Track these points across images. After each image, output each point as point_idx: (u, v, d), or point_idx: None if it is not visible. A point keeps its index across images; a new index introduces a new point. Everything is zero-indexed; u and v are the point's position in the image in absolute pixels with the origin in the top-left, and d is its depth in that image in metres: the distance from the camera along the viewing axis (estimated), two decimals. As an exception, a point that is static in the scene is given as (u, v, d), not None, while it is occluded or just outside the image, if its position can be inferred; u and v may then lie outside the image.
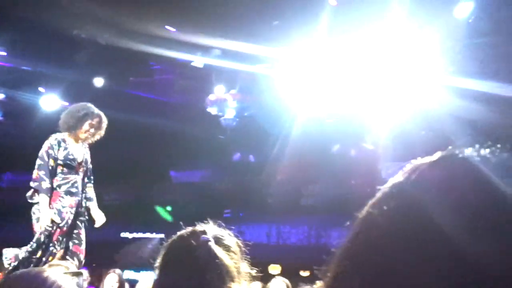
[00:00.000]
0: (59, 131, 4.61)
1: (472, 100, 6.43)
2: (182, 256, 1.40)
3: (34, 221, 4.43)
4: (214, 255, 1.37)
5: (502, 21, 5.73)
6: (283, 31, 6.83)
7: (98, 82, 7.72)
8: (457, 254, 0.47)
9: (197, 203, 10.24)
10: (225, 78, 8.28)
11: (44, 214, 4.34)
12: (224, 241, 1.44)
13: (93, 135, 4.66)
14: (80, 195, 4.58)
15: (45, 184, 4.39)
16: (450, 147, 0.58)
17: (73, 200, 4.49)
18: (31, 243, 4.33)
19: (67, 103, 7.47)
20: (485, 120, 6.39)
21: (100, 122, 4.65)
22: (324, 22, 6.50)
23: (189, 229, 1.47)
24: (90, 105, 4.72)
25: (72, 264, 4.08)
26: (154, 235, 12.02)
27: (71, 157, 4.56)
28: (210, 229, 1.47)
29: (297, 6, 6.47)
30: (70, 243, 4.48)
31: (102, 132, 4.70)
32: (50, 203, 4.40)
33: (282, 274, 9.23)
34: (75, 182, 4.56)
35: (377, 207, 0.55)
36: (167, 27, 6.92)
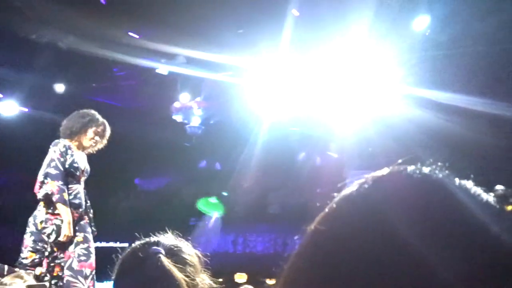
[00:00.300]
0: (58, 138, 4.30)
1: (430, 109, 6.63)
2: (131, 268, 1.39)
3: (29, 234, 4.08)
4: (162, 268, 1.34)
5: (457, 35, 5.94)
6: (248, 39, 6.89)
7: (59, 87, 7.57)
8: (404, 266, 0.49)
9: (162, 211, 10.13)
10: (190, 86, 8.26)
11: (67, 224, 4.00)
12: (178, 253, 1.40)
13: (96, 143, 4.35)
14: (83, 206, 4.24)
15: (66, 195, 4.04)
16: (400, 161, 0.60)
17: (75, 213, 4.15)
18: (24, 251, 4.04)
19: (26, 109, 7.31)
20: (443, 128, 6.59)
21: (104, 130, 4.37)
22: (287, 32, 6.59)
23: (143, 240, 1.45)
24: (94, 112, 4.43)
25: (29, 276, 3.90)
26: (118, 244, 11.81)
27: (75, 165, 4.23)
28: (166, 240, 1.43)
29: (261, 15, 6.54)
30: (69, 261, 4.09)
31: (105, 141, 4.41)
32: (51, 218, 4.07)
33: (248, 282, 9.22)
34: (78, 192, 4.22)
35: (327, 220, 0.57)
36: (130, 33, 6.87)
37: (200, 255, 1.44)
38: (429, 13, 6.00)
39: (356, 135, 8.12)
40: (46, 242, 4.05)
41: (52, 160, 4.15)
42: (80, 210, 4.20)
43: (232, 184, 10.35)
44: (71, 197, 4.15)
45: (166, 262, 1.36)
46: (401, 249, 0.49)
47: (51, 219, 4.09)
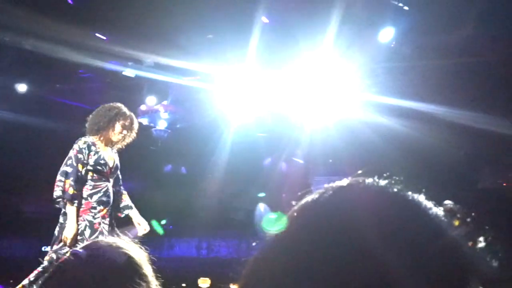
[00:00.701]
0: (84, 136, 4.15)
1: (393, 117, 6.81)
2: (60, 272, 1.35)
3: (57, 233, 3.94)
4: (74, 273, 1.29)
5: (422, 47, 6.13)
6: (217, 45, 6.90)
7: (21, 88, 7.37)
8: (361, 272, 0.51)
9: (126, 214, 9.99)
10: (157, 89, 8.19)
11: (70, 227, 3.84)
12: (102, 258, 1.33)
13: (124, 137, 4.22)
14: (111, 204, 4.11)
15: (73, 193, 3.90)
16: (359, 172, 0.63)
17: (106, 210, 4.04)
18: (43, 262, 3.85)
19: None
20: (405, 136, 6.77)
21: (132, 123, 4.26)
22: (255, 38, 6.64)
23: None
24: (120, 104, 4.31)
25: None
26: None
27: (102, 162, 4.11)
28: (112, 243, 1.38)
29: (231, 21, 6.57)
30: None
31: (133, 135, 4.28)
32: (80, 215, 3.94)
33: (212, 287, 9.19)
34: (107, 190, 4.11)
35: (287, 227, 0.58)
36: (98, 35, 6.77)
37: (136, 261, 1.35)
38: (394, 25, 6.17)
39: (321, 142, 8.25)
40: (79, 240, 3.87)
41: (69, 158, 4.03)
42: (109, 207, 4.07)
43: (197, 188, 10.30)
44: (100, 194, 4.04)
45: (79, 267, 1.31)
46: (358, 256, 0.51)
47: (80, 215, 3.96)
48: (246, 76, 7.41)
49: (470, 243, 0.55)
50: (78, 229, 3.92)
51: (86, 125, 4.22)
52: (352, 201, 0.57)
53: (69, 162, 4.01)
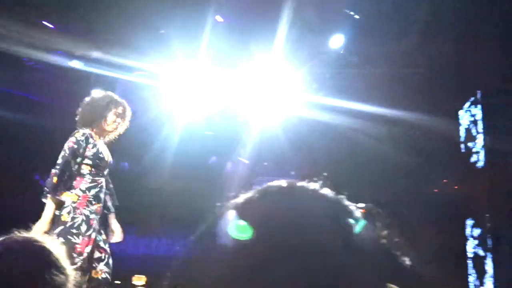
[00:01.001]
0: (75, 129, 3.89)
1: (340, 119, 7.08)
2: None
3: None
4: None
5: (371, 55, 6.42)
6: (169, 41, 6.86)
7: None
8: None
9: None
10: (104, 82, 7.98)
11: (42, 221, 3.62)
12: (16, 252, 1.35)
13: (117, 127, 4.05)
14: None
15: (53, 184, 3.66)
16: (292, 173, 0.68)
17: (99, 207, 3.83)
18: None
19: None
20: (349, 137, 7.06)
21: (124, 110, 4.09)
22: (208, 37, 6.67)
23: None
24: (111, 93, 4.16)
25: None
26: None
27: (101, 155, 3.92)
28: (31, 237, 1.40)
29: (185, 18, 6.56)
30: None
31: (126, 123, 4.12)
32: (77, 207, 3.71)
33: (147, 285, 9.10)
34: (102, 186, 3.91)
35: (211, 226, 0.62)
36: (44, 22, 6.52)
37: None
38: (344, 33, 6.41)
39: (267, 142, 8.41)
40: (75, 234, 3.68)
41: (63, 150, 3.83)
42: (102, 204, 3.88)
43: (139, 185, 10.14)
44: (97, 189, 3.84)
45: None
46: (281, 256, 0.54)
47: (78, 208, 3.75)
48: (197, 74, 7.42)
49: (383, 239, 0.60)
50: (48, 226, 3.74)
51: (77, 118, 4.06)
52: (273, 204, 0.60)
53: (62, 154, 3.83)
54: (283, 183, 0.62)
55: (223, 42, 6.82)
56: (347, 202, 0.60)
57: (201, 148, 9.14)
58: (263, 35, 6.54)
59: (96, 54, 7.14)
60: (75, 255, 3.62)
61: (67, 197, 3.78)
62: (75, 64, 7.26)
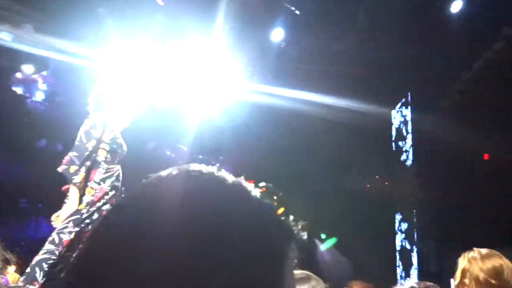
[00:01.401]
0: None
1: (279, 108, 7.12)
2: None
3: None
4: None
5: (311, 51, 6.48)
6: (106, 22, 6.61)
7: None
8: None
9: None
10: (36, 58, 7.61)
11: (67, 209, 3.33)
12: None
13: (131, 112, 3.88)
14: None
15: (74, 169, 3.34)
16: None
17: (114, 196, 3.51)
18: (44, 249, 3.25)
19: None
20: (289, 125, 7.11)
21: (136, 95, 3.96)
22: (149, 20, 6.49)
23: None
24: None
25: None
26: None
27: (118, 141, 3.62)
28: None
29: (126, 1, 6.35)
30: None
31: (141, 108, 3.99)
32: (95, 201, 3.42)
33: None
34: (119, 174, 3.59)
35: (106, 220, 0.58)
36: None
37: None
38: (284, 27, 6.43)
39: (208, 130, 8.36)
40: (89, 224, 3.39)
41: (79, 135, 3.52)
42: (117, 194, 3.54)
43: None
44: (113, 179, 3.53)
45: None
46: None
47: (95, 202, 3.46)
48: (137, 59, 7.21)
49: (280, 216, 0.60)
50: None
51: (90, 104, 3.78)
52: (165, 189, 0.58)
53: (78, 138, 3.54)
54: (182, 167, 0.61)
55: (164, 26, 6.67)
56: (244, 184, 0.59)
57: (139, 132, 8.93)
58: (205, 21, 6.45)
59: (26, 25, 6.77)
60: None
61: (89, 189, 3.54)
62: (4, 35, 6.85)
